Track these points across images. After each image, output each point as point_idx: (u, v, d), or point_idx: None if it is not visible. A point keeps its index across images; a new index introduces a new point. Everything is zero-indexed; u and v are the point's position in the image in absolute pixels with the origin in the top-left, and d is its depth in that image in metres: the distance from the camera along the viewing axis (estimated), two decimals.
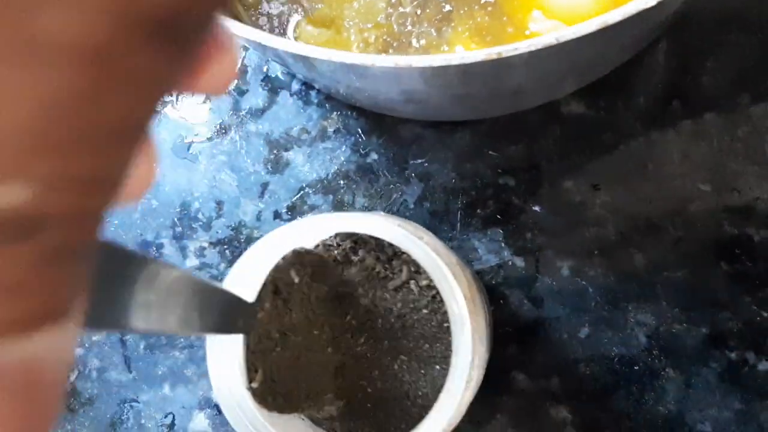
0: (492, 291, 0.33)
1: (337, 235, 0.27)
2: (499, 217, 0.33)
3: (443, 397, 0.23)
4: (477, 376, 0.24)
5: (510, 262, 0.33)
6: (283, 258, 0.24)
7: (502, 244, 0.33)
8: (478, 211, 0.33)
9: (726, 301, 0.32)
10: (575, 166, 0.33)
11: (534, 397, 0.32)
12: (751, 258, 0.32)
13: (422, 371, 0.26)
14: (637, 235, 0.32)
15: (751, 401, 0.31)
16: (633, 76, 0.33)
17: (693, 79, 0.33)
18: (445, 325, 0.26)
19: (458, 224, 0.34)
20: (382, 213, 0.33)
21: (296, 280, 0.24)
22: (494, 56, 0.18)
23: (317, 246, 0.27)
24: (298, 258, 0.24)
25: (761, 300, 0.31)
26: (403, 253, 0.26)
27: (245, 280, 0.24)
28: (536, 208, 0.33)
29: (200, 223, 0.35)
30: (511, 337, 0.32)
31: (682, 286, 0.32)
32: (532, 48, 0.18)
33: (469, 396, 0.24)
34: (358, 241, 0.27)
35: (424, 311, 0.26)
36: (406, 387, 0.27)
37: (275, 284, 0.24)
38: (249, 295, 0.23)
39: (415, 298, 0.27)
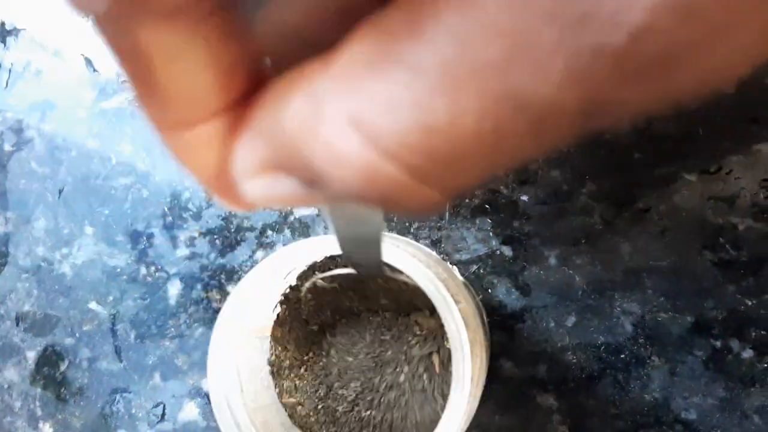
0: (480, 280, 0.33)
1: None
2: (487, 206, 0.34)
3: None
4: (472, 407, 0.25)
5: (498, 251, 0.33)
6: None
7: (490, 234, 0.34)
8: (467, 201, 0.34)
9: (710, 289, 0.32)
10: (562, 156, 0.33)
11: (521, 385, 0.32)
12: (735, 247, 0.32)
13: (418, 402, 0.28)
14: (623, 224, 0.33)
15: (735, 388, 0.31)
16: None
17: None
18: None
19: (447, 214, 0.34)
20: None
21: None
22: None
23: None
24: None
25: (745, 289, 0.32)
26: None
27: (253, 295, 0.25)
28: (524, 198, 0.33)
29: (190, 212, 0.35)
30: (498, 325, 0.33)
31: (668, 274, 0.32)
32: None
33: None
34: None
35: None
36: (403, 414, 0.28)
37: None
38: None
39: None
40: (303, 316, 0.31)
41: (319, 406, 0.30)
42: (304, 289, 0.29)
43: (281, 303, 0.30)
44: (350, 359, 0.31)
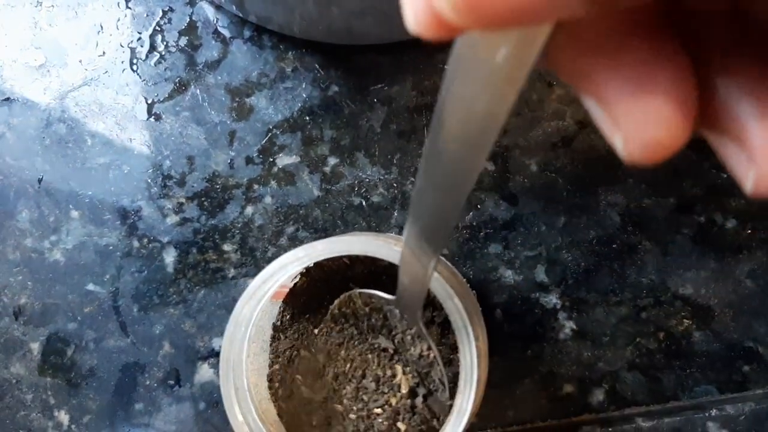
0: (469, 198, 0.34)
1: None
2: None
3: None
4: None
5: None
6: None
7: None
8: None
9: (686, 169, 0.33)
10: None
11: (523, 290, 0.33)
12: None
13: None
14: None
15: (724, 258, 0.33)
16: None
17: None
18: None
19: (426, 140, 0.34)
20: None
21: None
22: None
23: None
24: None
25: (718, 163, 0.33)
26: None
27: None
28: None
29: (174, 180, 0.35)
30: (492, 237, 0.34)
31: None
32: None
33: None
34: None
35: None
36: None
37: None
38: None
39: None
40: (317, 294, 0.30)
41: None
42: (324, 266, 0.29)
43: (302, 274, 0.30)
44: (342, 353, 0.29)
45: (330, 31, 0.34)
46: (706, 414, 0.31)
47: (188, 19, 0.37)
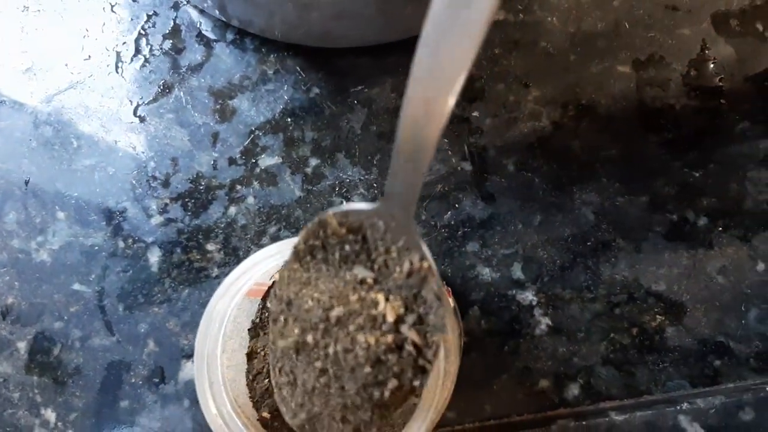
0: (446, 197, 0.35)
1: None
2: None
3: None
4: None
5: (459, 168, 0.35)
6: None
7: (449, 153, 0.35)
8: None
9: (659, 168, 0.34)
10: (504, 69, 0.35)
11: (500, 287, 0.34)
12: (676, 126, 0.34)
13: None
14: (570, 122, 0.34)
15: (696, 255, 0.33)
16: None
17: None
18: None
19: None
20: None
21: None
22: None
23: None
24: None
25: (689, 162, 0.34)
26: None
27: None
28: (475, 114, 0.35)
29: (159, 181, 0.36)
30: (470, 236, 0.34)
31: (618, 161, 0.34)
32: None
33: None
34: None
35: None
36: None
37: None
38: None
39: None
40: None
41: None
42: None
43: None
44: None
45: (310, 35, 0.34)
46: (678, 407, 0.32)
47: (172, 23, 0.37)
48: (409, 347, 0.21)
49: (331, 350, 0.21)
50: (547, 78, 0.35)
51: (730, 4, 0.35)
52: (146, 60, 0.37)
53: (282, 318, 0.23)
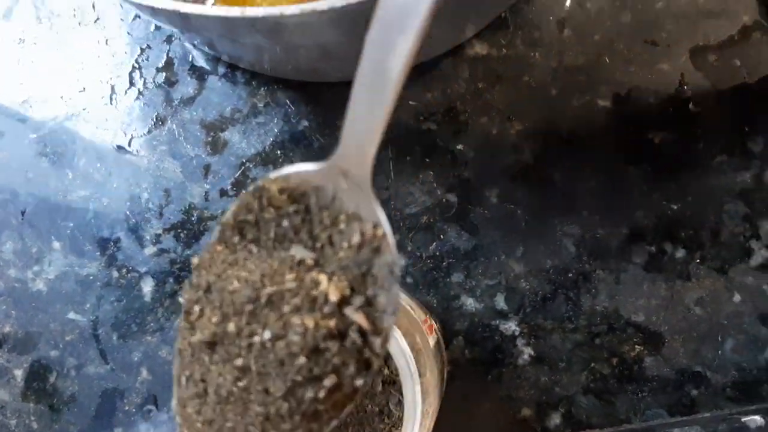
0: (431, 228, 0.36)
1: None
2: (427, 160, 0.36)
3: None
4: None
5: (444, 199, 0.36)
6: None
7: (434, 185, 0.36)
8: (408, 158, 0.36)
9: (638, 200, 0.35)
10: (487, 103, 0.36)
11: (483, 317, 0.35)
12: (655, 158, 0.35)
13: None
14: (551, 155, 0.35)
15: (675, 286, 0.34)
16: (527, 12, 0.36)
17: (580, 5, 0.36)
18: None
19: (392, 173, 0.36)
20: None
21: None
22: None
23: None
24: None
25: (668, 195, 0.35)
26: None
27: None
28: (459, 147, 0.36)
29: (152, 212, 0.37)
30: (454, 267, 0.35)
31: (599, 194, 0.35)
32: None
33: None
34: None
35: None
36: None
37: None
38: None
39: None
40: None
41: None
42: None
43: None
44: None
45: (298, 70, 0.35)
46: None
47: (165, 57, 0.38)
48: (353, 335, 0.17)
49: (257, 339, 0.18)
50: (529, 111, 0.36)
51: (708, 39, 0.35)
52: (140, 92, 0.38)
53: (197, 308, 0.19)
